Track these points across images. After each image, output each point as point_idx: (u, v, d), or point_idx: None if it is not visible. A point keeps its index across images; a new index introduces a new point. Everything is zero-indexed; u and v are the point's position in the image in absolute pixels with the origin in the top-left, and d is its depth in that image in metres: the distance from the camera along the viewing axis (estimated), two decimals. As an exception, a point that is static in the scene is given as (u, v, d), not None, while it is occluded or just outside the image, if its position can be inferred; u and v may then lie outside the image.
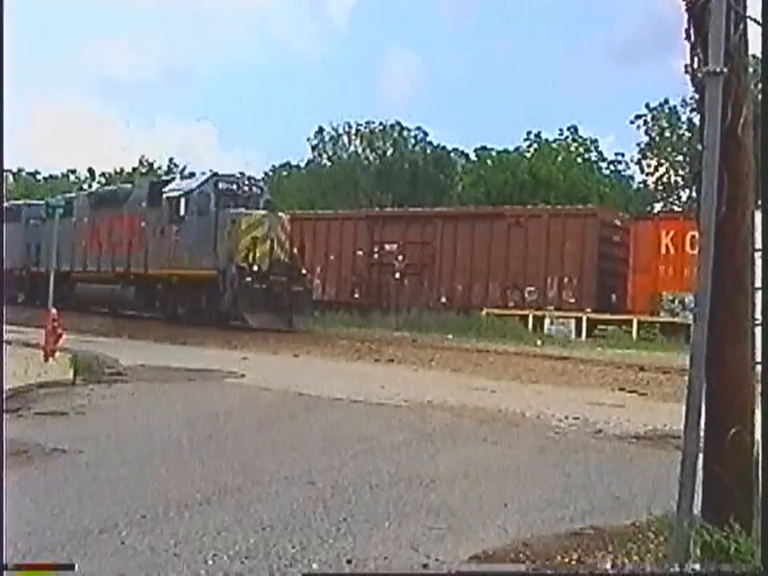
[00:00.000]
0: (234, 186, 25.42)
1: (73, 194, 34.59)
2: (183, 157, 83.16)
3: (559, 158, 52.78)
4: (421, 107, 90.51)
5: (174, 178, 27.83)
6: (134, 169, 63.62)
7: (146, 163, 64.32)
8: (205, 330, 23.10)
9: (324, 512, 5.39)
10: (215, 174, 25.67)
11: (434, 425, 9.04)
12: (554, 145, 54.52)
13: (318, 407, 10.30)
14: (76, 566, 4.16)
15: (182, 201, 25.06)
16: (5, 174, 45.95)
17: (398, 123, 59.60)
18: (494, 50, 78.76)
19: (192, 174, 26.66)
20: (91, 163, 70.79)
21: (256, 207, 24.87)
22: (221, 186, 25.12)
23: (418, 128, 59.19)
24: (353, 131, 59.91)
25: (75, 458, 7.00)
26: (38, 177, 68.03)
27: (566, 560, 4.44)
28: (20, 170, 66.01)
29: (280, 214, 25.90)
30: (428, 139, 60.02)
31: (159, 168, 63.27)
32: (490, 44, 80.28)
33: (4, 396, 8.58)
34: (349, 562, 4.46)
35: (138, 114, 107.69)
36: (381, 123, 59.87)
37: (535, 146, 54.53)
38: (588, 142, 55.13)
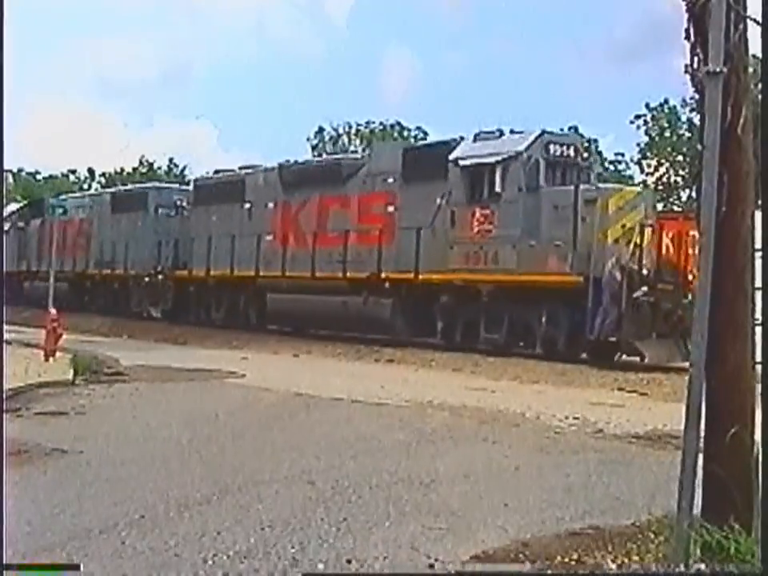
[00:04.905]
0: (571, 151, 17.54)
1: (240, 171, 24.32)
2: (183, 156, 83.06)
3: (559, 158, 52.59)
4: (420, 107, 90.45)
5: (453, 141, 18.59)
6: (134, 169, 63.51)
7: (145, 163, 64.24)
8: (205, 330, 23.00)
9: (324, 512, 5.39)
10: (544, 132, 17.63)
11: (434, 425, 9.03)
12: (554, 145, 54.35)
13: (318, 407, 10.30)
14: (81, 567, 4.17)
15: (498, 170, 16.96)
16: (5, 173, 44.80)
17: (398, 123, 59.51)
18: (493, 50, 78.67)
19: (500, 133, 17.92)
20: (91, 163, 70.64)
21: (587, 181, 17.19)
22: (551, 149, 17.21)
23: (418, 128, 59.07)
24: (353, 131, 59.88)
25: (75, 458, 7.00)
26: (38, 177, 67.96)
27: (566, 560, 4.44)
28: (20, 170, 65.93)
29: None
30: (428, 139, 60.00)
31: (159, 168, 63.17)
32: (490, 44, 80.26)
33: (4, 396, 8.58)
34: (349, 561, 4.46)
35: (137, 113, 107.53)
36: (381, 123, 59.84)
37: (535, 145, 54.37)
38: (588, 142, 55.00)
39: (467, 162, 17.50)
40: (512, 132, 17.87)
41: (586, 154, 17.95)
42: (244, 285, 22.73)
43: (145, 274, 26.07)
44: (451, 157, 17.85)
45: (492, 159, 17.05)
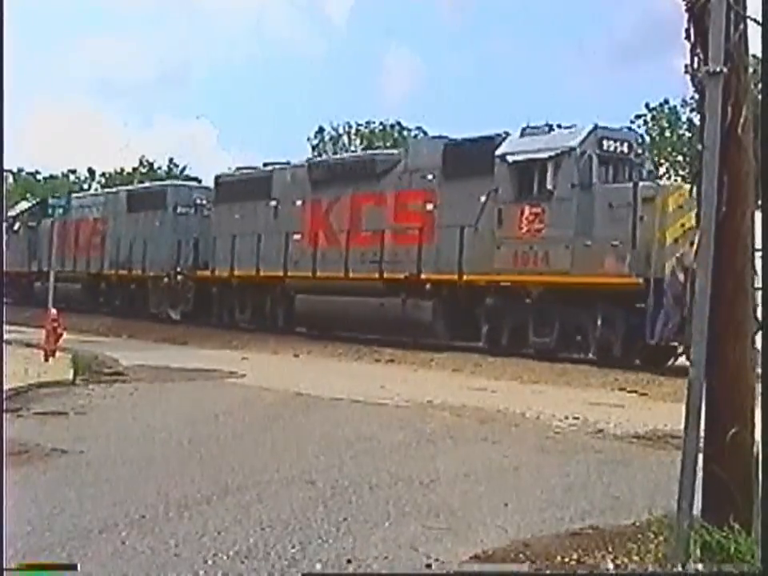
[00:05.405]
0: (625, 147, 16.73)
1: (266, 168, 23.45)
2: (183, 157, 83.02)
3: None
4: (420, 107, 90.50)
5: (498, 136, 17.60)
6: (134, 169, 63.55)
7: (146, 163, 64.28)
8: (206, 331, 22.98)
9: (324, 512, 5.39)
10: (597, 127, 16.76)
11: (434, 425, 9.03)
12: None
13: (318, 407, 10.30)
14: (78, 566, 4.17)
15: (550, 166, 16.17)
16: (5, 174, 44.24)
17: (398, 123, 59.52)
18: (493, 50, 78.68)
19: (549, 127, 17.37)
20: (91, 163, 70.62)
21: (639, 178, 16.13)
22: (605, 145, 16.44)
23: (418, 128, 58.97)
24: (353, 131, 59.88)
25: (75, 458, 7.01)
26: (38, 177, 67.98)
27: (566, 560, 4.44)
28: (20, 170, 65.95)
29: None
30: (428, 139, 59.87)
31: (159, 168, 63.19)
32: (490, 43, 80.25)
33: (4, 396, 8.59)
34: (349, 561, 4.46)
35: (136, 113, 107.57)
36: (381, 123, 59.84)
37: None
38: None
39: (516, 158, 16.64)
40: (559, 126, 17.41)
41: (639, 150, 16.96)
42: (271, 285, 21.88)
43: (164, 275, 25.15)
44: (498, 152, 17.02)
45: (544, 155, 16.25)
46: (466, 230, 17.32)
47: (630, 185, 15.47)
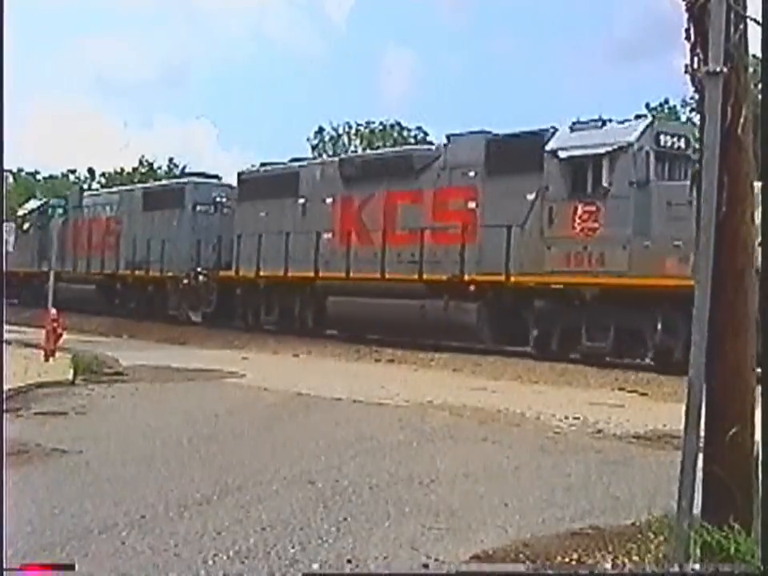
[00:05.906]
0: (682, 143, 15.97)
1: (293, 164, 22.62)
2: (183, 156, 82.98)
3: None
4: (420, 107, 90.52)
5: (545, 131, 16.95)
6: (134, 169, 63.51)
7: (146, 163, 64.24)
8: (206, 331, 23.01)
9: (324, 512, 5.40)
10: (654, 121, 16.44)
11: (434, 425, 9.04)
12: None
13: (318, 407, 10.30)
14: (76, 566, 4.17)
15: (605, 163, 15.51)
16: (5, 174, 43.91)
17: (398, 123, 59.49)
18: (493, 49, 78.71)
19: (602, 122, 16.61)
20: (91, 163, 70.53)
21: (687, 175, 15.20)
22: (662, 140, 15.76)
23: (418, 128, 59.02)
24: (353, 131, 59.87)
25: (75, 458, 7.01)
26: (38, 177, 67.94)
27: (566, 560, 4.44)
28: (20, 170, 65.91)
29: None
30: (428, 139, 59.93)
31: (159, 168, 63.17)
32: (490, 43, 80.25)
33: (4, 396, 8.59)
34: (349, 561, 4.46)
35: (136, 113, 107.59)
36: (381, 123, 59.82)
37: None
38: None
39: (569, 154, 15.92)
40: (610, 121, 16.73)
41: (697, 145, 16.08)
42: (300, 286, 20.99)
43: (183, 276, 24.20)
44: (548, 147, 16.31)
45: (599, 150, 15.55)
46: (512, 229, 16.58)
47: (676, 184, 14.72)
